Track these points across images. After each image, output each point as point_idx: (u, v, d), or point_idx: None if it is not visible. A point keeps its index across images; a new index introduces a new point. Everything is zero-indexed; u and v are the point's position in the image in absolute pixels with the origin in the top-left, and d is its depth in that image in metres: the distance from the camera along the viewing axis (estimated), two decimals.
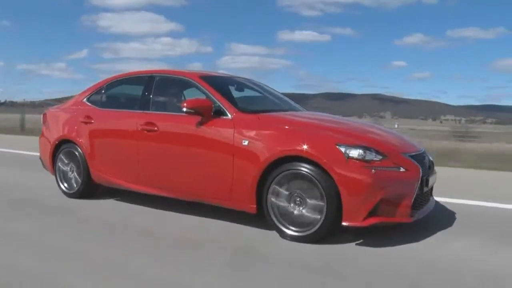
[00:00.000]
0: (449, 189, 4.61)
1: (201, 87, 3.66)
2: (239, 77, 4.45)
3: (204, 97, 3.57)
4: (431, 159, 3.56)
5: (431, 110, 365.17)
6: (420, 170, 3.09)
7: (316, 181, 2.92)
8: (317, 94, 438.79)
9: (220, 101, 3.49)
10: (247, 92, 4.25)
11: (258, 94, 4.37)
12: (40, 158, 4.74)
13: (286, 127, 3.24)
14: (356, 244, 2.99)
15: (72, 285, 2.27)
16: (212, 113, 3.43)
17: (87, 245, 2.91)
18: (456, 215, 3.80)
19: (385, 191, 2.88)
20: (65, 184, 4.37)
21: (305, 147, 2.97)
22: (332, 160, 2.90)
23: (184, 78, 3.86)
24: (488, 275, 2.47)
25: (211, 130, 3.40)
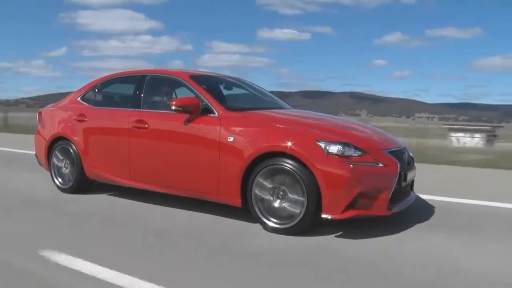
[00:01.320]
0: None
1: (191, 86, 3.79)
2: (228, 76, 4.59)
3: (193, 95, 3.70)
4: (411, 155, 3.70)
5: (407, 108, 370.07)
6: (399, 166, 3.23)
7: (297, 176, 3.06)
8: (296, 92, 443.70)
9: (208, 100, 3.62)
10: (236, 91, 4.39)
11: (246, 93, 4.51)
12: (36, 155, 4.88)
13: (270, 124, 3.39)
14: (336, 236, 3.13)
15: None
16: (200, 111, 3.56)
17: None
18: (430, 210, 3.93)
19: (363, 185, 3.02)
20: (60, 180, 4.50)
21: (287, 143, 3.11)
22: (313, 155, 3.04)
23: (175, 77, 4.00)
24: (462, 269, 2.61)
25: (199, 127, 3.54)
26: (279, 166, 3.15)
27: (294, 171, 3.07)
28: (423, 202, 4.13)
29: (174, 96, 4.20)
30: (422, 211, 3.80)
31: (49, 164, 4.59)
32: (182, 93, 4.08)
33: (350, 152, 3.07)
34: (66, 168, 4.46)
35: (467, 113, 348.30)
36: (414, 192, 3.83)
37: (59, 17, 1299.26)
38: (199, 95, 3.68)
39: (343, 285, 2.33)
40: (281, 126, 3.34)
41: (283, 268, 2.53)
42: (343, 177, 2.98)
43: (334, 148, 3.04)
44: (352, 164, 3.01)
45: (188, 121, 3.57)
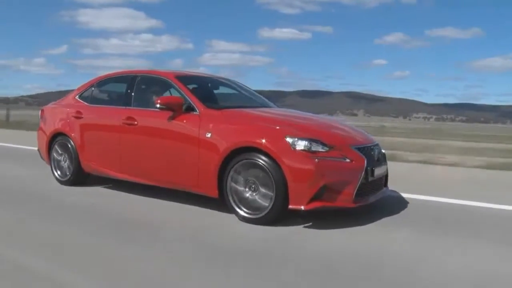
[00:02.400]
0: None
1: (176, 86, 4.06)
2: (216, 77, 4.85)
3: (178, 94, 3.96)
4: (383, 152, 3.87)
5: (405, 108, 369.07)
6: (365, 161, 3.41)
7: (267, 169, 3.28)
8: (293, 91, 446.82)
9: (190, 99, 3.88)
10: (223, 90, 4.64)
11: (231, 92, 4.75)
12: (38, 149, 5.21)
13: (244, 121, 3.62)
14: (304, 226, 3.34)
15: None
16: (182, 109, 3.82)
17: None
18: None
19: (327, 178, 3.22)
20: (59, 172, 4.83)
21: (257, 139, 3.34)
22: (281, 150, 3.26)
23: (162, 77, 4.27)
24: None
25: (181, 124, 3.79)
26: (251, 160, 3.37)
27: (264, 165, 3.29)
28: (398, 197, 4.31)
29: (168, 94, 4.46)
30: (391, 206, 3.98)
31: (49, 158, 4.92)
32: (174, 93, 4.35)
33: (317, 147, 3.28)
34: (65, 162, 4.78)
35: (464, 114, 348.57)
36: (387, 187, 4.01)
37: (60, 15, 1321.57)
38: (183, 94, 3.94)
39: (295, 273, 2.50)
40: (254, 123, 3.57)
41: (243, 255, 2.73)
42: (308, 170, 3.19)
43: (301, 144, 3.26)
44: (317, 159, 3.22)
45: (172, 118, 3.83)
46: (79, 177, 4.69)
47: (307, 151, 3.25)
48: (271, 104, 4.74)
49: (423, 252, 2.82)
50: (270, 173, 3.27)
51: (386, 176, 3.98)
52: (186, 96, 3.90)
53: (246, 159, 3.41)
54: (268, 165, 3.28)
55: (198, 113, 3.77)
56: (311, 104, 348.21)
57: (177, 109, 3.82)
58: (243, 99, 4.66)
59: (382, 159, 3.79)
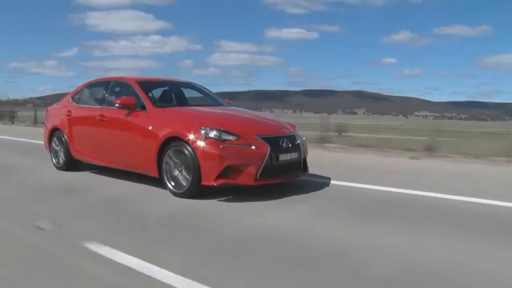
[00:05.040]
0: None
1: (135, 89, 5.06)
2: (178, 80, 5.84)
3: (133, 96, 4.97)
4: (297, 142, 4.61)
5: (409, 106, 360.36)
6: (269, 148, 4.21)
7: (187, 154, 4.18)
8: (299, 91, 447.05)
9: (143, 99, 4.87)
10: (180, 93, 5.60)
11: (192, 94, 5.71)
12: (44, 142, 6.45)
13: (176, 116, 4.57)
14: (218, 200, 4.20)
15: None
16: (136, 107, 4.81)
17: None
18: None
19: (230, 160, 4.06)
20: (55, 160, 6.01)
21: (180, 130, 4.26)
22: (196, 138, 4.15)
23: (126, 82, 5.30)
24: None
25: (134, 120, 4.79)
26: (178, 147, 4.30)
27: (186, 151, 4.20)
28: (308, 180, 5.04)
29: (151, 96, 5.49)
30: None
31: (50, 149, 6.13)
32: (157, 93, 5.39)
33: (226, 136, 4.14)
34: (61, 152, 5.95)
35: (469, 111, 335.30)
36: (305, 171, 4.76)
37: (69, 18, 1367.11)
38: (139, 95, 4.93)
39: (195, 235, 3.39)
40: (182, 118, 4.51)
41: (164, 222, 3.61)
42: (214, 154, 4.06)
43: (211, 133, 4.13)
44: (222, 145, 4.08)
45: (128, 115, 4.85)
46: (71, 164, 5.83)
47: (216, 139, 4.11)
48: (224, 103, 5.64)
49: (313, 225, 3.48)
50: (189, 157, 4.17)
51: (304, 161, 4.74)
52: (141, 97, 4.89)
53: (175, 146, 4.33)
54: (187, 150, 4.19)
55: (147, 111, 4.75)
56: (315, 103, 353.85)
57: (131, 108, 4.82)
58: (198, 99, 5.62)
59: (292, 148, 4.52)
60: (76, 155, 5.71)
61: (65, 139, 5.82)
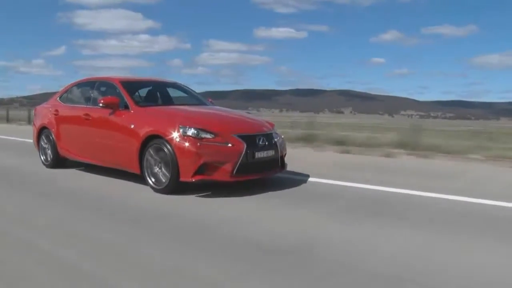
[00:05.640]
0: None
1: (118, 89, 5.23)
2: (160, 80, 6.03)
3: (117, 95, 5.14)
4: (275, 141, 4.79)
5: (396, 106, 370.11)
6: (245, 146, 4.39)
7: (167, 151, 4.36)
8: (288, 90, 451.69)
9: (126, 99, 5.04)
10: (164, 92, 5.78)
11: (176, 93, 5.89)
12: (33, 140, 6.61)
13: (157, 116, 4.74)
14: (196, 195, 4.38)
15: None
16: (119, 107, 4.99)
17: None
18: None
19: (207, 157, 4.24)
20: (43, 157, 6.18)
21: (160, 128, 4.44)
22: (174, 137, 4.33)
23: (110, 82, 5.46)
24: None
25: (118, 119, 4.97)
26: (158, 145, 4.47)
27: (165, 148, 4.37)
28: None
29: (141, 95, 5.67)
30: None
31: (38, 147, 6.29)
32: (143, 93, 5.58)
33: (203, 134, 4.32)
34: (48, 149, 6.11)
35: (456, 111, 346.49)
36: (283, 168, 4.95)
37: (57, 17, 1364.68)
38: (122, 95, 5.10)
39: (175, 227, 3.58)
40: (163, 117, 4.69)
41: (148, 215, 3.80)
42: (191, 151, 4.24)
43: (189, 132, 4.31)
44: (199, 143, 4.26)
45: (111, 114, 5.02)
46: (58, 161, 6.00)
47: (194, 137, 4.29)
48: (207, 102, 5.83)
49: (281, 215, 3.72)
50: (168, 154, 4.34)
51: (281, 158, 4.92)
52: (124, 97, 5.07)
53: (155, 144, 4.51)
54: (167, 148, 4.36)
55: (130, 110, 4.92)
56: (303, 102, 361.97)
57: (114, 107, 4.99)
58: (183, 99, 5.81)
59: (269, 146, 4.70)
60: (62, 152, 5.87)
61: (52, 137, 5.98)
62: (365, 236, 3.16)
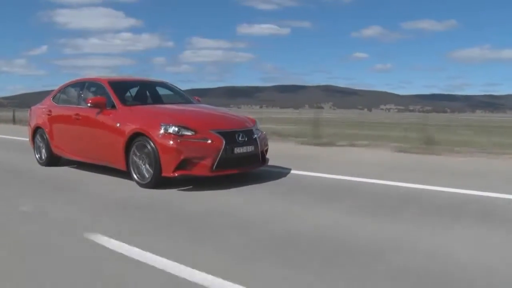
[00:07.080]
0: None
1: (106, 89, 5.46)
2: (148, 80, 6.26)
3: (104, 95, 5.37)
4: (255, 137, 4.99)
5: (376, 100, 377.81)
6: (223, 142, 4.60)
7: (149, 148, 4.58)
8: (271, 86, 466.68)
9: (113, 99, 5.27)
10: (151, 91, 6.01)
11: (163, 92, 6.12)
12: (29, 139, 6.87)
13: (141, 114, 4.98)
14: (178, 189, 4.60)
15: None
16: (106, 106, 5.22)
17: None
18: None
19: (187, 153, 4.46)
20: (38, 155, 6.44)
21: (142, 126, 4.67)
22: (156, 134, 4.55)
23: (99, 82, 5.70)
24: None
25: (105, 118, 5.20)
26: (142, 142, 4.70)
27: (148, 145, 4.60)
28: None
29: (129, 95, 5.91)
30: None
31: (33, 146, 6.55)
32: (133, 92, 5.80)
33: (183, 131, 4.54)
34: (43, 148, 6.37)
35: (434, 104, 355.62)
36: (264, 163, 5.16)
37: (37, 16, 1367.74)
38: (109, 95, 5.34)
39: (164, 221, 3.81)
40: (147, 115, 4.93)
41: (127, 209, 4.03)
42: (172, 148, 4.46)
43: (170, 129, 4.53)
44: (180, 139, 4.48)
45: (99, 113, 5.26)
46: (52, 159, 6.25)
47: (175, 134, 4.51)
48: (193, 101, 6.05)
49: (268, 207, 3.91)
50: (151, 151, 4.57)
51: (262, 154, 5.12)
52: (111, 97, 5.30)
53: (139, 141, 4.74)
54: (149, 145, 4.59)
55: (117, 109, 5.15)
56: (285, 98, 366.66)
57: (102, 106, 5.23)
58: (170, 97, 6.05)
59: (248, 142, 4.90)
60: (56, 151, 6.13)
61: (46, 136, 6.24)
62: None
